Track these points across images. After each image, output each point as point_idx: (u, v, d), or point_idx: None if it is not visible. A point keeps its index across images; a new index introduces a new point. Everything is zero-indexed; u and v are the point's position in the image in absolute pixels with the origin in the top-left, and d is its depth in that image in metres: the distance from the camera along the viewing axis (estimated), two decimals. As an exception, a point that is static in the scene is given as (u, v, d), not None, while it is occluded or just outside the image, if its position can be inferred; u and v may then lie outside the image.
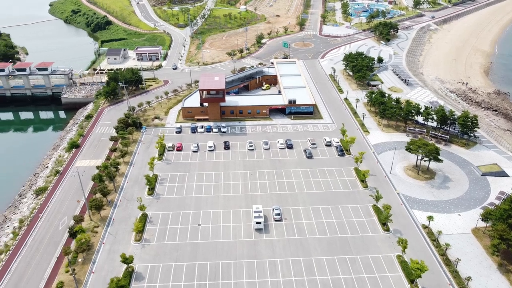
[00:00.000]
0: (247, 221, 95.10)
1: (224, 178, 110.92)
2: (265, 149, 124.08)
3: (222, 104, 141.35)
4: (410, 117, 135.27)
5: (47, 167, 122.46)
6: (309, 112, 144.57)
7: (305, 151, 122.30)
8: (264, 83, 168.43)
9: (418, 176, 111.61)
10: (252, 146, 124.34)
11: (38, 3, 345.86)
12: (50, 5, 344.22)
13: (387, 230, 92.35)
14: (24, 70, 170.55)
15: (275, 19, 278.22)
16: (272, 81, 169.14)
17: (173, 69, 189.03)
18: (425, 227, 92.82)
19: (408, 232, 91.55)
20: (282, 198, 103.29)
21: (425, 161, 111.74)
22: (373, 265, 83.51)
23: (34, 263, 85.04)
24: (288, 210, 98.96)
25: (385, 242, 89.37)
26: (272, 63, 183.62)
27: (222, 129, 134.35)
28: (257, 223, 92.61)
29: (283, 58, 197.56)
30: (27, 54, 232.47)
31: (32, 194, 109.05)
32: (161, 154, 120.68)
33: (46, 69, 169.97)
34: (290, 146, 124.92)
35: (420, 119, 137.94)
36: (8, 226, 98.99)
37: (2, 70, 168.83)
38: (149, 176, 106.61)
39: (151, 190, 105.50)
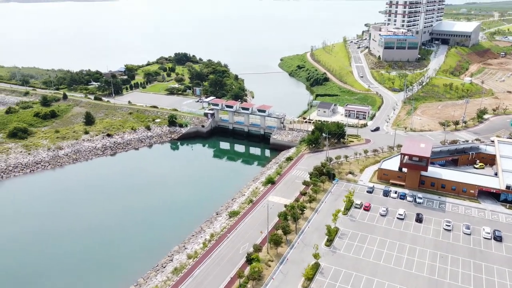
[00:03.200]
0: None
1: (409, 252, 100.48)
2: (465, 233, 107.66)
3: (423, 173, 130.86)
4: None
5: (244, 195, 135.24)
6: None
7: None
8: (477, 161, 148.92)
9: None
10: (449, 226, 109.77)
11: (272, 57, 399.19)
12: (281, 59, 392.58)
13: None
14: (247, 109, 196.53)
15: (505, 95, 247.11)
16: (489, 160, 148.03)
17: (371, 130, 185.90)
18: None
19: None
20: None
21: None
22: None
23: (212, 276, 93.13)
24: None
25: None
26: (493, 141, 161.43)
27: (418, 200, 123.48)
28: (438, 314, 79.60)
29: (508, 138, 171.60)
30: (253, 97, 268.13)
31: (226, 215, 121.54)
32: (347, 209, 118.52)
33: (264, 111, 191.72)
34: (498, 239, 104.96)
35: None
36: (201, 236, 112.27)
37: (231, 107, 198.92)
38: (330, 227, 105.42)
39: (329, 242, 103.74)
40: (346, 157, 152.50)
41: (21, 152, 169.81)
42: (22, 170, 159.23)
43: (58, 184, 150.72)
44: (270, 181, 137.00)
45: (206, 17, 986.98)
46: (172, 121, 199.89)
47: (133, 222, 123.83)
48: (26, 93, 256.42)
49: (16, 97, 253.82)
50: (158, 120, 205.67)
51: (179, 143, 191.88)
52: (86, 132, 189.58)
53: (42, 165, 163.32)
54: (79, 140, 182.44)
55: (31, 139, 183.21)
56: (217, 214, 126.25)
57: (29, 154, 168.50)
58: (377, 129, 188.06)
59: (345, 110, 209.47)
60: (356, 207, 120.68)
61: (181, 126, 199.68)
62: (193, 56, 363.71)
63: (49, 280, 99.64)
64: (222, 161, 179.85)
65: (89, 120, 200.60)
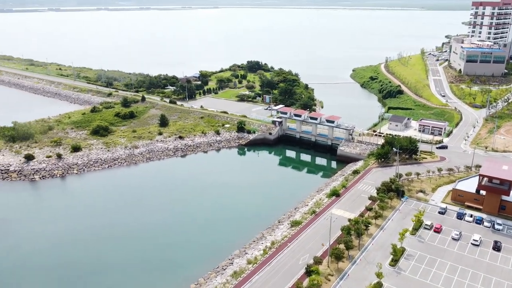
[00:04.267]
0: None
1: (483, 282, 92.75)
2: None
3: (504, 197, 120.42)
4: None
5: (307, 205, 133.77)
6: None
7: None
8: None
9: None
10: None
11: (344, 67, 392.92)
12: (353, 70, 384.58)
13: None
14: (315, 119, 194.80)
15: None
16: None
17: (437, 148, 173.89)
18: None
19: None
20: None
21: None
22: None
23: (270, 283, 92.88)
24: None
25: None
26: None
27: (497, 226, 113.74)
28: None
29: None
30: (322, 107, 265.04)
31: (288, 224, 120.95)
32: (415, 229, 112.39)
33: (332, 122, 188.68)
34: None
35: None
36: (262, 243, 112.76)
37: (299, 116, 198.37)
38: (396, 247, 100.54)
39: (394, 262, 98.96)
40: (418, 174, 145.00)
41: (101, 148, 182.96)
42: (101, 165, 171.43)
43: (131, 181, 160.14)
44: (335, 193, 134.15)
45: (279, 28, 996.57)
46: (240, 127, 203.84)
47: (197, 223, 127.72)
48: (109, 94, 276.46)
49: (101, 97, 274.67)
50: (227, 125, 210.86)
51: (246, 149, 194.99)
52: (160, 133, 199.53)
53: (118, 162, 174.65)
54: (153, 141, 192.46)
55: (110, 137, 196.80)
56: (279, 222, 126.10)
57: (108, 150, 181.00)
58: (443, 147, 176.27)
59: (419, 124, 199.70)
60: (425, 228, 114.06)
61: (249, 132, 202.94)
62: (265, 64, 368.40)
63: (117, 273, 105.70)
64: (287, 169, 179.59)
65: (163, 122, 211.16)
